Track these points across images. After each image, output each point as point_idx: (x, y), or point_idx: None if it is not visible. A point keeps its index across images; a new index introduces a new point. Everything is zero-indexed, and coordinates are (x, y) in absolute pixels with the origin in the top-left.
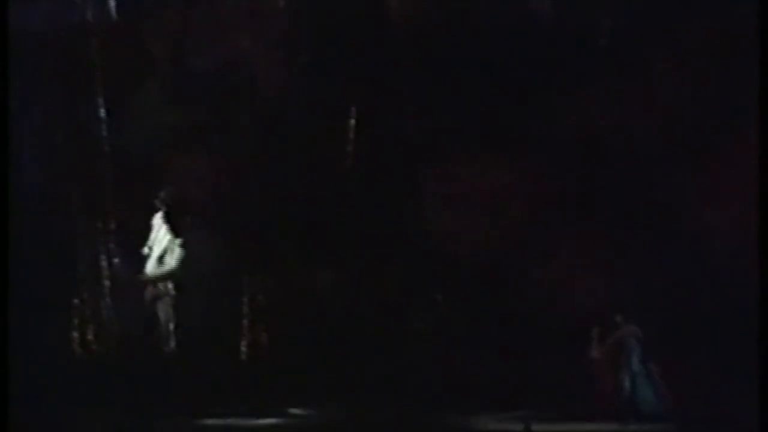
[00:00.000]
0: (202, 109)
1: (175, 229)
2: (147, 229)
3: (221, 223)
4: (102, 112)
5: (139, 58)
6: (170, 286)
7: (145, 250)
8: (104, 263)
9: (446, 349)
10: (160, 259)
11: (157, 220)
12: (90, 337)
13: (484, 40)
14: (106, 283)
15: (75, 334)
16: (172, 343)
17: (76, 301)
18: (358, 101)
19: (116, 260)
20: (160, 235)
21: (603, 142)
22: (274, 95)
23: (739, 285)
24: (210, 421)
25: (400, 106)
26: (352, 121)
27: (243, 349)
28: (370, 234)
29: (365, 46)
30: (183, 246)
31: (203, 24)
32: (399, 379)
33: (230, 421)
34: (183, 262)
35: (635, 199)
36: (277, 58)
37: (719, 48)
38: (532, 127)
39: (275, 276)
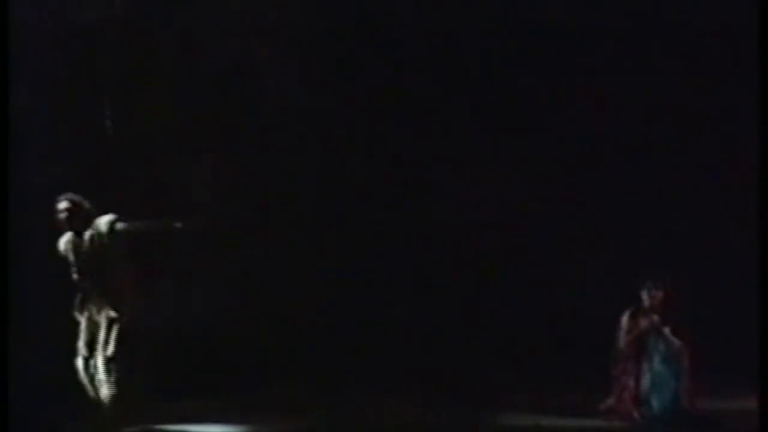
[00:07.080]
0: (209, 110)
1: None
2: None
3: (226, 225)
4: (108, 112)
5: (146, 56)
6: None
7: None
8: None
9: (456, 344)
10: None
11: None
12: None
13: (492, 39)
14: None
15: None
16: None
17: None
18: (365, 103)
19: None
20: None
21: (608, 141)
22: (282, 96)
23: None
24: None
25: (407, 106)
26: (360, 123)
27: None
28: (380, 236)
29: (373, 48)
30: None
31: (212, 22)
32: (405, 375)
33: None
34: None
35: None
36: (286, 58)
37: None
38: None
39: (277, 276)
